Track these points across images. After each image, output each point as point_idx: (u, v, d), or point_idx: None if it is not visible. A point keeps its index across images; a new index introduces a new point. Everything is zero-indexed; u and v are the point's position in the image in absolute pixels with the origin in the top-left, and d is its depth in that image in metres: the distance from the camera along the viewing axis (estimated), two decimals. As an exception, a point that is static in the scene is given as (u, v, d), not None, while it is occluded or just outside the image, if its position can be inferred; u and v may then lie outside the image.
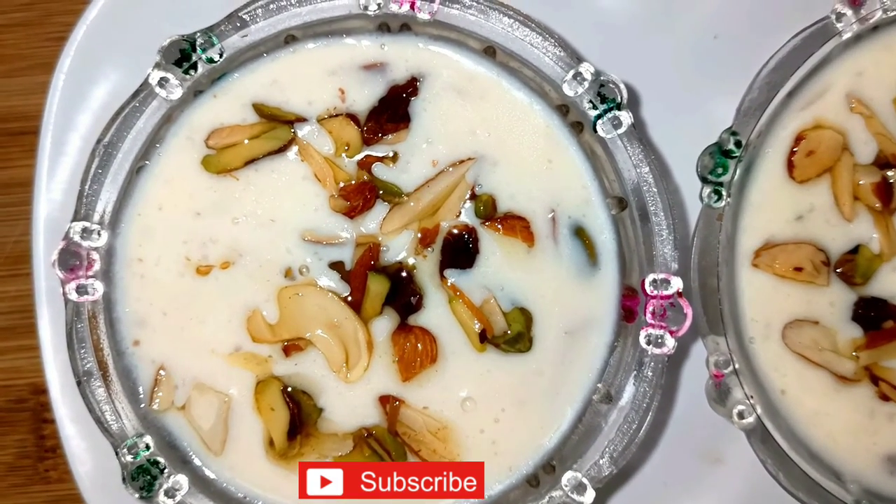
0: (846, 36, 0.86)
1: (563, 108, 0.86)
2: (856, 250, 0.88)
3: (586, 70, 0.84)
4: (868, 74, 0.87)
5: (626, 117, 0.84)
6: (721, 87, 0.89)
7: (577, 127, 0.86)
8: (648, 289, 0.84)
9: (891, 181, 0.87)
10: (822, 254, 0.87)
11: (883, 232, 0.87)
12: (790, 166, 0.87)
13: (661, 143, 0.94)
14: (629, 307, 0.86)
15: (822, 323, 0.88)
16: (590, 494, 0.83)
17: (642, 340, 0.84)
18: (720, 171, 0.85)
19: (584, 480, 0.83)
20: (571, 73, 0.85)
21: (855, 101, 0.87)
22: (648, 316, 0.85)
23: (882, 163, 0.88)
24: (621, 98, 0.84)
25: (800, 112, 0.87)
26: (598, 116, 0.85)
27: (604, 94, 0.84)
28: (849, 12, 0.85)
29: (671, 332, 0.85)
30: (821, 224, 0.87)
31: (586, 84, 0.84)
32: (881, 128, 0.87)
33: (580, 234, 0.87)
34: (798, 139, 0.87)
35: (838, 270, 0.88)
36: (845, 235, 0.88)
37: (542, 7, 0.90)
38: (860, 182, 0.87)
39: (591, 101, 0.85)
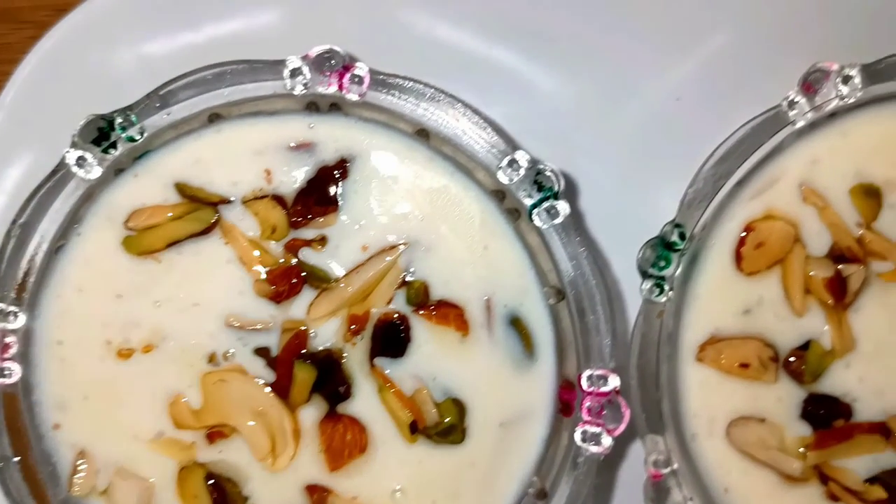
0: (799, 124, 0.80)
1: (500, 194, 0.82)
2: (806, 346, 0.83)
3: (521, 158, 0.80)
4: (823, 163, 0.83)
5: (563, 207, 0.80)
6: (666, 178, 0.85)
7: (514, 214, 0.82)
8: (585, 384, 0.81)
9: (845, 275, 0.82)
10: (770, 349, 0.83)
11: (835, 327, 0.83)
12: (738, 258, 0.83)
13: (601, 234, 0.90)
14: (566, 401, 0.83)
15: (769, 420, 0.84)
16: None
17: (578, 437, 0.81)
18: (662, 264, 0.80)
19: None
20: (506, 160, 0.80)
21: (808, 190, 0.82)
22: (584, 413, 0.81)
23: (836, 255, 0.83)
24: (558, 188, 0.80)
25: (749, 202, 0.83)
26: (534, 206, 0.80)
27: (540, 183, 0.80)
28: (802, 100, 0.80)
29: (608, 431, 0.81)
30: (770, 318, 0.84)
31: (522, 172, 0.80)
32: (836, 219, 0.83)
33: (516, 323, 0.84)
34: (747, 230, 0.83)
35: (787, 367, 0.83)
36: (795, 330, 0.84)
37: (481, 91, 0.85)
38: (812, 274, 0.82)
39: (526, 190, 0.80)
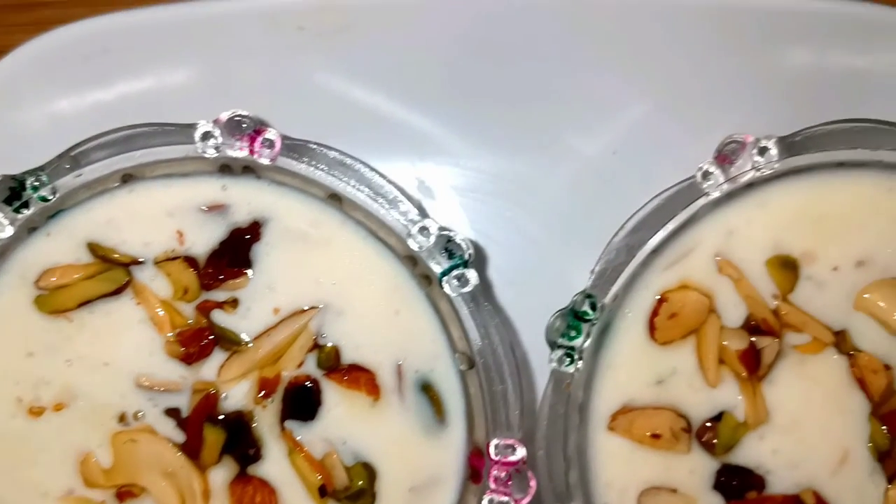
0: (714, 195, 0.79)
1: (412, 260, 0.82)
2: (720, 417, 0.82)
3: (431, 226, 0.80)
4: (739, 234, 0.82)
5: (472, 276, 0.80)
6: (581, 248, 0.84)
7: (426, 280, 0.82)
8: (493, 453, 0.81)
9: (759, 348, 0.81)
10: (683, 420, 0.83)
11: (749, 399, 0.83)
12: (652, 328, 0.82)
13: (513, 303, 0.89)
14: (476, 468, 0.83)
15: (681, 491, 0.83)
16: None
17: (485, 506, 0.80)
18: (573, 333, 0.80)
19: None
20: (417, 227, 0.80)
21: (724, 261, 0.81)
22: (492, 482, 0.81)
23: (751, 327, 0.82)
24: (468, 256, 0.79)
25: (664, 272, 0.82)
26: (444, 273, 0.80)
27: (451, 251, 0.80)
28: (716, 171, 0.79)
29: (515, 501, 0.81)
30: (683, 389, 0.83)
31: (432, 239, 0.80)
32: (751, 290, 0.82)
33: (427, 389, 0.84)
34: (661, 300, 0.82)
35: (700, 438, 0.82)
36: (709, 401, 0.83)
37: (395, 156, 0.85)
38: (726, 345, 0.81)
39: (436, 258, 0.79)
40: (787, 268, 0.83)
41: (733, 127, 0.81)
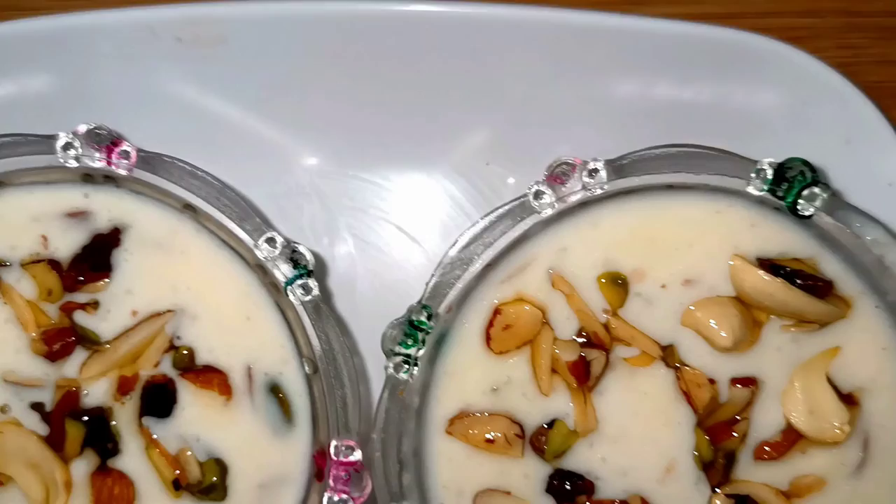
0: (545, 213, 0.84)
1: (262, 269, 0.86)
2: (552, 424, 0.86)
3: (277, 237, 0.84)
4: (573, 251, 0.87)
5: (314, 285, 0.84)
6: (421, 260, 0.88)
7: (276, 288, 0.86)
8: (333, 454, 0.85)
9: (588, 359, 0.85)
10: (517, 426, 0.87)
11: (579, 408, 0.87)
12: (488, 338, 0.87)
13: (353, 312, 0.93)
14: (321, 467, 0.87)
15: (515, 493, 0.88)
16: None
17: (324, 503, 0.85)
18: (410, 342, 0.84)
19: None
20: (263, 238, 0.84)
21: (557, 277, 0.86)
22: (332, 481, 0.85)
23: (583, 340, 0.86)
24: (311, 266, 0.84)
25: (500, 285, 0.87)
26: (290, 282, 0.84)
27: (296, 261, 0.84)
28: (548, 191, 0.84)
29: (353, 499, 0.85)
30: (517, 397, 0.87)
31: (278, 250, 0.84)
32: (582, 305, 0.86)
33: (276, 391, 0.88)
34: (496, 312, 0.86)
35: (534, 444, 0.87)
36: (542, 410, 0.87)
37: (245, 167, 0.89)
38: (558, 354, 0.85)
39: (281, 267, 0.84)
40: (617, 284, 0.87)
41: (567, 152, 0.84)
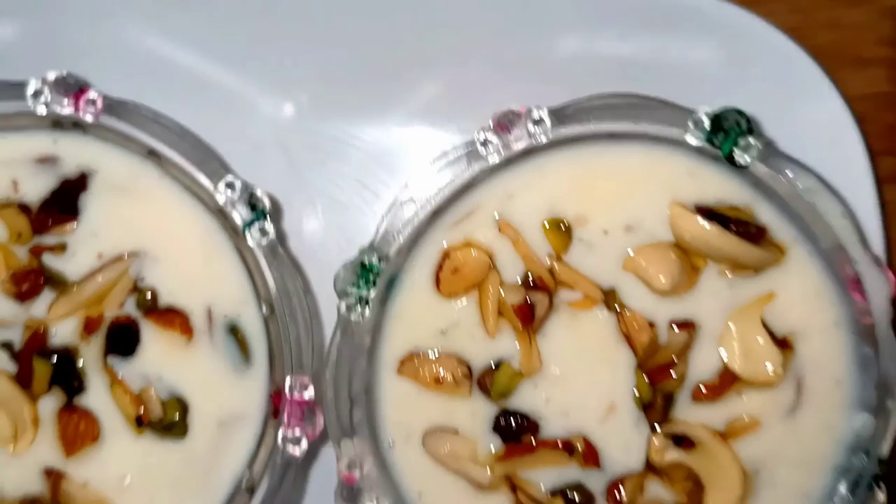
0: (492, 160, 0.87)
1: (222, 213, 0.90)
2: (499, 365, 0.90)
3: (236, 181, 0.88)
4: (519, 197, 0.90)
5: (270, 228, 0.88)
6: (376, 206, 0.92)
7: (235, 232, 0.91)
8: (287, 391, 0.89)
9: (532, 302, 0.89)
10: (464, 367, 0.90)
11: (525, 350, 0.90)
12: (437, 281, 0.90)
13: (307, 254, 0.97)
14: (277, 405, 0.91)
15: (463, 432, 0.91)
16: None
17: (279, 439, 0.89)
18: (361, 283, 0.88)
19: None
20: (223, 182, 0.89)
21: (503, 222, 0.90)
22: (286, 417, 0.89)
23: (528, 283, 0.90)
24: (268, 209, 0.88)
25: (449, 230, 0.90)
26: (247, 225, 0.88)
27: (254, 205, 0.88)
28: (494, 139, 0.87)
29: (307, 435, 0.89)
30: (465, 338, 0.91)
31: (237, 194, 0.88)
32: (527, 250, 0.90)
33: (235, 331, 0.92)
34: (445, 256, 0.90)
35: (481, 384, 0.90)
36: (488, 351, 0.91)
37: (207, 112, 0.94)
38: (504, 297, 0.89)
39: (240, 211, 0.88)
40: (560, 230, 0.91)
41: (514, 103, 0.88)
